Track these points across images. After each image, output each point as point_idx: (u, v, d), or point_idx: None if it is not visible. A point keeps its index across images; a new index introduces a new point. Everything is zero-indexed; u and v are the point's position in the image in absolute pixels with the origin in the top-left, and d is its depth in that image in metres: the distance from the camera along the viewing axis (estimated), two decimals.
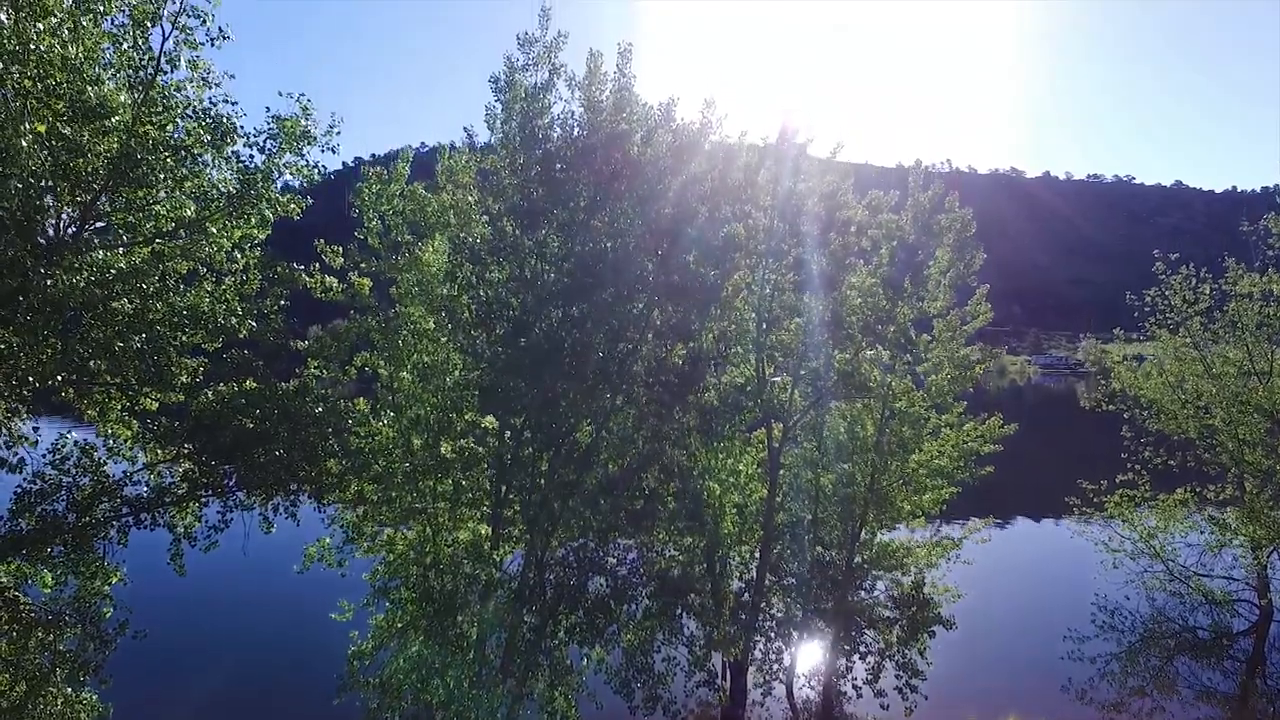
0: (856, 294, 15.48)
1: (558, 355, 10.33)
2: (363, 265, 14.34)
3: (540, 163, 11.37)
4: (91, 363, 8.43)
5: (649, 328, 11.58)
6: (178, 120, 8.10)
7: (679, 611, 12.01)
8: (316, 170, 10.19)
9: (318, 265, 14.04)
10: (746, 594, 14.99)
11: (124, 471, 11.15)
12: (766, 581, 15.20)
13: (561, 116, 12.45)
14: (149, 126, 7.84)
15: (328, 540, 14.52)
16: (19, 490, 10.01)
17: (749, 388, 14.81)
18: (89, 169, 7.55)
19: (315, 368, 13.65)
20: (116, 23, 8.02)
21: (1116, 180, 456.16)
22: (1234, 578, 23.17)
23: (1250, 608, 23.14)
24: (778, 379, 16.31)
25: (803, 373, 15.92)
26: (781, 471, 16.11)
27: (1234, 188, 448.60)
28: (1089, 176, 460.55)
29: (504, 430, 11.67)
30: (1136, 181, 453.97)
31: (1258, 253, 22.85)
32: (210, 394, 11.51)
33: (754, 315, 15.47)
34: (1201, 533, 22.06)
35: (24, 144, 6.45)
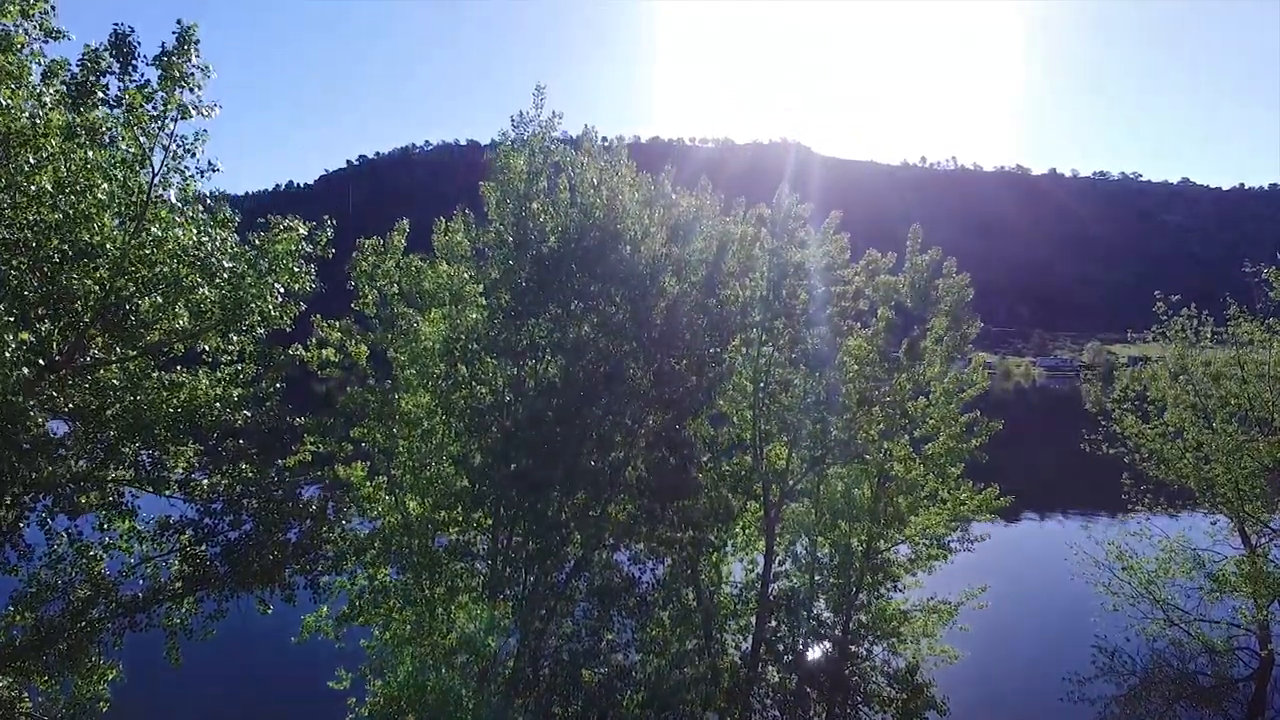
0: (854, 362, 15.40)
1: (549, 474, 10.32)
2: (359, 338, 14.36)
3: (533, 263, 11.32)
4: (83, 498, 8.45)
5: (642, 437, 11.61)
6: (167, 260, 8.08)
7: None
8: (309, 281, 10.18)
9: (314, 340, 14.10)
10: (744, 667, 15.00)
11: (121, 564, 11.17)
12: (762, 652, 15.21)
13: (554, 207, 12.35)
14: (140, 266, 7.86)
15: (325, 610, 14.61)
16: (14, 595, 10.05)
17: (745, 470, 14.78)
18: (79, 307, 7.57)
19: (311, 443, 13.69)
20: (107, 158, 7.99)
21: (1123, 177, 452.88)
22: (1235, 624, 23.03)
23: (1251, 655, 23.02)
24: (782, 438, 16.25)
25: (802, 434, 15.88)
26: (779, 531, 16.09)
27: (1241, 184, 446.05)
28: (1095, 173, 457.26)
29: (496, 530, 11.72)
30: (1143, 178, 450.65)
31: (1259, 294, 22.74)
32: (206, 484, 11.55)
33: (749, 384, 15.43)
34: (1200, 587, 21.98)
35: (6, 354, 6.47)
